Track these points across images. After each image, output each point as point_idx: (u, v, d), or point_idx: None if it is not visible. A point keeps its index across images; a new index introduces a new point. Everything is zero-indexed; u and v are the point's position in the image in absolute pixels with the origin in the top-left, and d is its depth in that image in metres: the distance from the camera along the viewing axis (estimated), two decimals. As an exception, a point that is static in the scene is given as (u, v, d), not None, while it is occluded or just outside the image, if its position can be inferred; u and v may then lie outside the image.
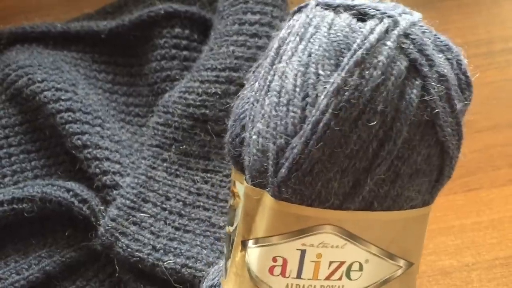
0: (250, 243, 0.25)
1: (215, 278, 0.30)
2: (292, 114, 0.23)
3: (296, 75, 0.23)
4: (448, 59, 0.24)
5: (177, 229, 0.36)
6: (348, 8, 0.24)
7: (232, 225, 0.27)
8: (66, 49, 0.44)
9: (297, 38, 0.24)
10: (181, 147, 0.38)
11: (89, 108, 0.39)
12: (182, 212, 0.37)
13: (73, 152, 0.38)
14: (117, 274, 0.35)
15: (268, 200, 0.24)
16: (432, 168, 0.24)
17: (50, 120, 0.39)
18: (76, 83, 0.41)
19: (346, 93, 0.22)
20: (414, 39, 0.23)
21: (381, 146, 0.23)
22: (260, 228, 0.25)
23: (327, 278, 0.24)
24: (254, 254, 0.25)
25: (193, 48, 0.42)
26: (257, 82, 0.25)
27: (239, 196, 0.26)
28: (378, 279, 0.25)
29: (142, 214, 0.36)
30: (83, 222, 0.37)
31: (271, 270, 0.24)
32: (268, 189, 0.24)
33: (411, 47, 0.23)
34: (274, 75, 0.24)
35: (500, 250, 0.37)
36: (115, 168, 0.37)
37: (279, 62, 0.24)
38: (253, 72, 0.26)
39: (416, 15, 0.24)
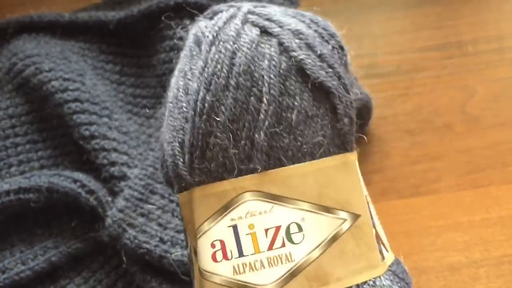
0: (196, 246, 0.26)
1: None
2: (181, 110, 0.26)
3: (177, 79, 0.27)
4: (302, 21, 0.27)
5: (184, 221, 0.36)
6: (206, 15, 0.29)
7: (187, 247, 0.28)
8: (74, 39, 0.43)
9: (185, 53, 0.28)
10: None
11: (97, 99, 0.39)
12: (190, 204, 0.36)
13: (81, 142, 0.38)
14: (124, 266, 0.35)
15: (191, 193, 0.26)
16: (325, 110, 0.26)
17: (58, 110, 0.39)
18: (84, 73, 0.40)
19: (210, 68, 0.25)
20: (260, 13, 0.27)
21: (260, 102, 0.25)
22: (196, 223, 0.25)
23: (270, 248, 0.24)
24: (198, 251, 0.25)
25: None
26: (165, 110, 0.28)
27: (181, 215, 0.28)
28: (324, 236, 0.25)
29: (149, 206, 0.36)
30: (90, 213, 0.36)
31: (213, 257, 0.25)
32: (183, 184, 0.26)
33: (259, 19, 0.27)
34: (170, 88, 0.28)
35: (508, 247, 0.37)
36: (123, 159, 0.37)
37: (174, 73, 0.28)
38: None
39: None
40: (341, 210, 0.25)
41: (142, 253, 0.34)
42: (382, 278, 0.26)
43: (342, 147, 0.27)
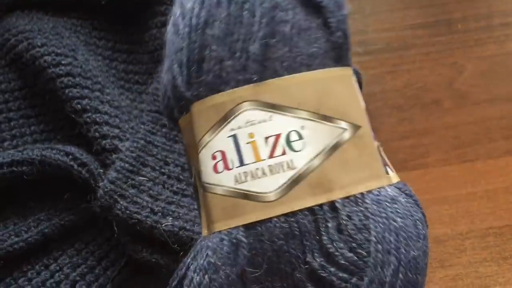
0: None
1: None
2: (178, 32, 0.26)
3: (175, 5, 0.28)
4: None
5: (175, 193, 0.36)
6: None
7: (192, 177, 0.28)
8: (66, 15, 0.43)
9: None
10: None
11: (89, 73, 0.39)
12: (181, 177, 0.37)
13: (73, 116, 0.38)
14: (115, 235, 0.35)
15: (190, 112, 0.26)
16: (318, 24, 0.26)
17: (50, 85, 0.39)
18: (76, 48, 0.41)
19: None
20: None
21: (254, 16, 0.25)
22: (196, 139, 0.26)
23: (271, 156, 0.25)
24: (199, 167, 0.26)
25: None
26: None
27: (183, 144, 0.28)
28: (325, 144, 0.25)
29: (141, 178, 0.36)
30: (82, 185, 0.37)
31: (215, 168, 0.25)
32: (186, 103, 0.26)
33: None
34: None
35: (494, 219, 0.38)
36: (114, 132, 0.37)
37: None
38: None
39: None
40: (341, 119, 0.25)
41: (133, 223, 0.34)
42: (387, 188, 0.26)
43: (339, 61, 0.27)
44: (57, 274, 0.36)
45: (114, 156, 0.37)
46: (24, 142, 0.40)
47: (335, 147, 0.25)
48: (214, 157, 0.25)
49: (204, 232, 0.26)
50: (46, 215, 0.37)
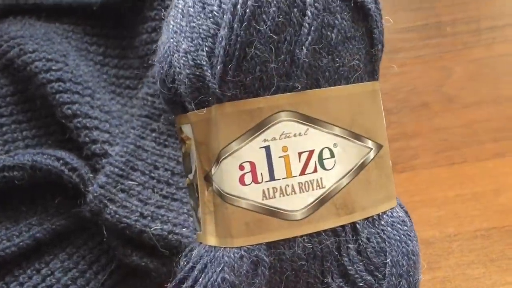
0: (213, 170, 0.24)
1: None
2: (210, 14, 0.23)
3: None
4: None
5: (165, 197, 0.37)
6: None
7: (190, 172, 0.26)
8: (58, 21, 0.44)
9: None
10: (170, 118, 0.38)
11: (80, 79, 0.40)
12: (170, 181, 0.37)
13: (63, 121, 0.38)
14: (105, 239, 0.36)
15: (216, 110, 0.23)
16: (362, 33, 0.25)
17: (41, 90, 0.39)
18: (67, 54, 0.41)
19: None
20: None
21: (303, 16, 0.23)
22: (217, 145, 0.23)
23: (302, 173, 0.23)
24: (219, 174, 0.24)
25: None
26: (171, 19, 0.25)
27: (188, 137, 0.25)
28: (353, 164, 0.24)
29: (130, 182, 0.36)
30: (73, 190, 0.37)
31: (241, 180, 0.23)
32: (211, 98, 0.23)
33: None
34: (185, 3, 0.24)
35: (481, 222, 0.38)
36: (104, 137, 0.38)
37: None
38: (165, 19, 0.27)
39: None
40: (368, 138, 0.25)
41: (123, 227, 0.35)
42: (397, 209, 0.26)
43: (371, 75, 0.26)
44: (48, 278, 0.37)
45: (104, 160, 0.37)
46: (16, 147, 0.40)
47: (361, 167, 0.24)
48: (241, 168, 0.23)
49: (211, 240, 0.25)
50: (37, 220, 0.38)
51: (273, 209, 0.23)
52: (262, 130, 0.23)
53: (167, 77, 0.25)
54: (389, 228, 0.25)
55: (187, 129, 0.25)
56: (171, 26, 0.25)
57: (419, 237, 0.38)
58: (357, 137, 0.24)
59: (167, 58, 0.25)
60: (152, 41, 0.42)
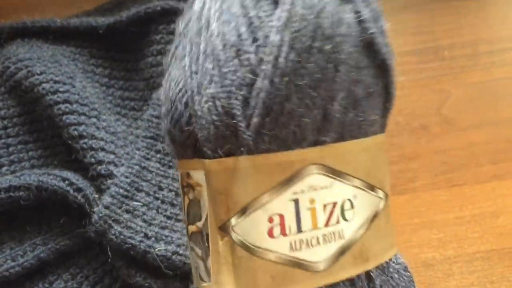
0: (233, 220, 0.24)
1: None
2: (246, 62, 0.23)
3: (236, 25, 0.23)
4: None
5: (169, 218, 0.37)
6: None
7: (199, 220, 0.25)
8: (65, 43, 0.45)
9: (217, 1, 0.24)
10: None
11: (86, 100, 0.40)
12: (174, 201, 0.38)
13: (69, 142, 0.39)
14: (109, 260, 0.36)
15: (245, 160, 0.23)
16: (381, 88, 0.25)
17: (48, 112, 0.40)
18: (74, 76, 0.42)
19: (295, 24, 0.22)
20: None
21: (336, 71, 0.23)
22: (244, 196, 0.23)
23: (327, 225, 0.24)
24: (245, 226, 0.23)
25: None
26: (186, 57, 0.25)
27: (199, 184, 0.24)
28: (368, 215, 0.25)
29: (135, 203, 0.37)
30: (78, 210, 0.37)
31: (270, 233, 0.23)
32: (242, 149, 0.23)
33: None
34: (209, 38, 0.24)
35: (481, 244, 0.38)
36: (110, 158, 0.38)
37: (208, 26, 0.24)
38: (172, 55, 0.26)
39: None
40: (380, 188, 0.25)
41: (127, 248, 0.35)
42: (398, 255, 0.26)
43: (382, 127, 0.27)
44: (52, 298, 0.37)
45: (109, 181, 0.37)
46: (22, 167, 0.41)
47: (374, 216, 0.25)
48: (271, 220, 0.23)
49: None
50: (42, 240, 0.38)
51: (299, 261, 0.24)
52: (292, 183, 0.23)
53: (182, 118, 0.24)
54: (396, 275, 0.26)
55: (198, 176, 0.24)
56: (187, 64, 0.24)
57: (420, 259, 0.38)
58: (372, 188, 0.25)
59: (182, 98, 0.24)
60: (157, 63, 0.43)
